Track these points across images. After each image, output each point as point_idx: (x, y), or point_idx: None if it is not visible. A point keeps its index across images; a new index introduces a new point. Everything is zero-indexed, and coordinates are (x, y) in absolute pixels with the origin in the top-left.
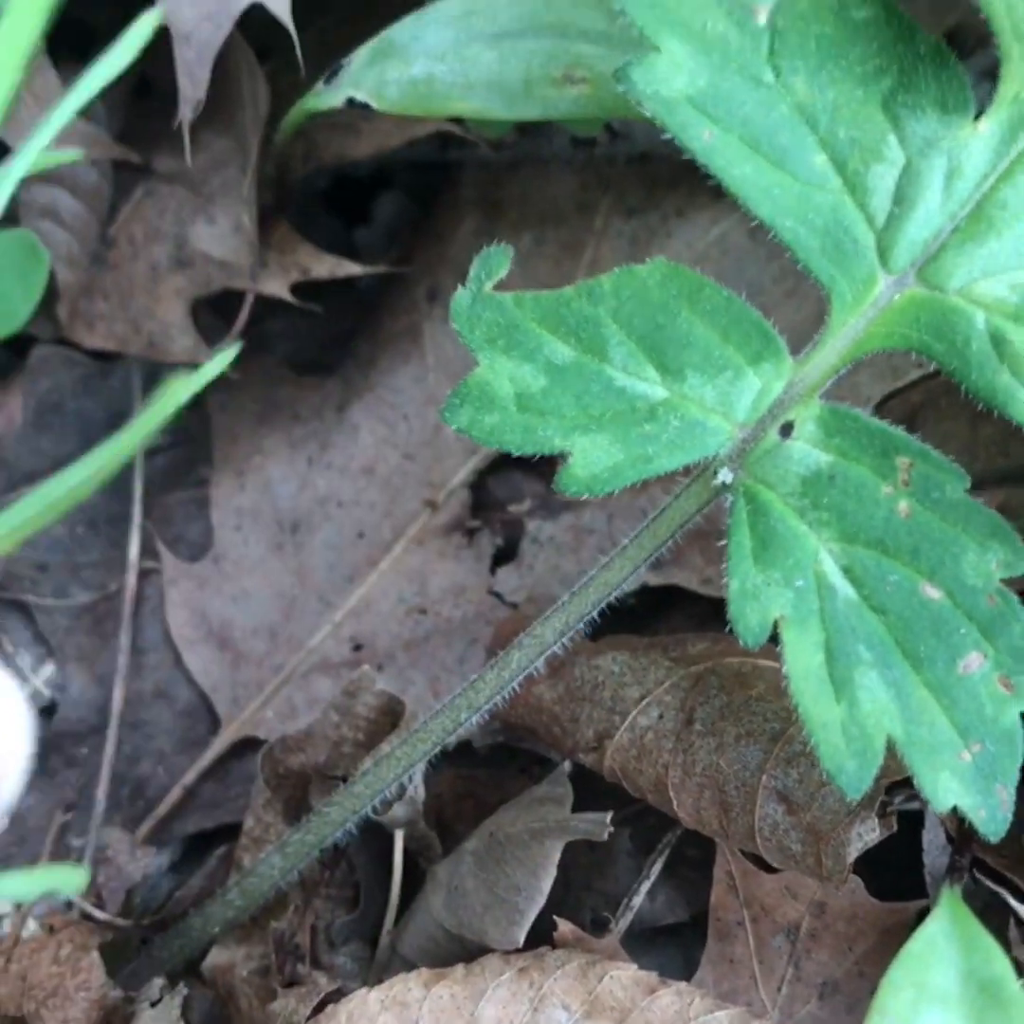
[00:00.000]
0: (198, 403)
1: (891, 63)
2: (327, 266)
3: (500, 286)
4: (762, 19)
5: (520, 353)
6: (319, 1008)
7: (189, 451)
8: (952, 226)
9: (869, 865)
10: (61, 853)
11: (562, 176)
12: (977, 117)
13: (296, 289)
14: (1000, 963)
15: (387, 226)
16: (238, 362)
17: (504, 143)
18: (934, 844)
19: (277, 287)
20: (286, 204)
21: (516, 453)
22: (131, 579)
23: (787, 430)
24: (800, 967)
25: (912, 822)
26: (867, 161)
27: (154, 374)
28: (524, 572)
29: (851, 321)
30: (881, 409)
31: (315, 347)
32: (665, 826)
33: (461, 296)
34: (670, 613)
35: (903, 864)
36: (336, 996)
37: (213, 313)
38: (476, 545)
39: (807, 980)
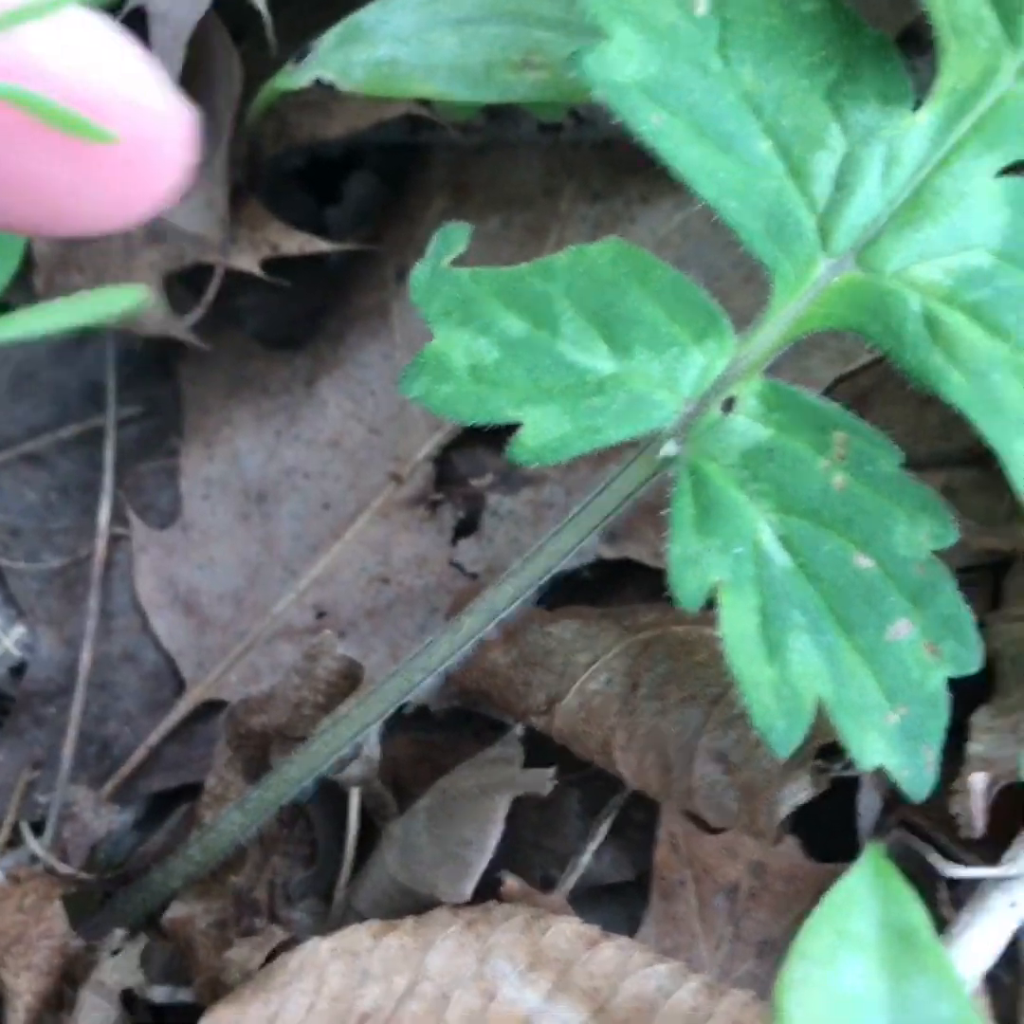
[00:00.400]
0: (170, 375)
1: (836, 55)
2: (296, 243)
3: (467, 263)
4: (701, 10)
5: (475, 326)
6: (272, 956)
7: (160, 422)
8: (890, 212)
9: (810, 827)
10: (28, 809)
11: (529, 160)
12: (916, 108)
13: (267, 265)
14: (916, 913)
15: (358, 205)
16: (210, 336)
17: (472, 127)
18: (869, 807)
19: (247, 262)
20: (258, 182)
21: (469, 422)
22: (101, 545)
23: (730, 405)
24: (740, 926)
25: (852, 787)
26: (810, 148)
27: (128, 346)
28: (484, 544)
29: (792, 302)
30: (831, 392)
31: (286, 322)
32: (613, 789)
33: (420, 270)
34: (624, 585)
35: (843, 827)
36: (289, 945)
37: (186, 287)
38: (438, 518)
39: (747, 938)
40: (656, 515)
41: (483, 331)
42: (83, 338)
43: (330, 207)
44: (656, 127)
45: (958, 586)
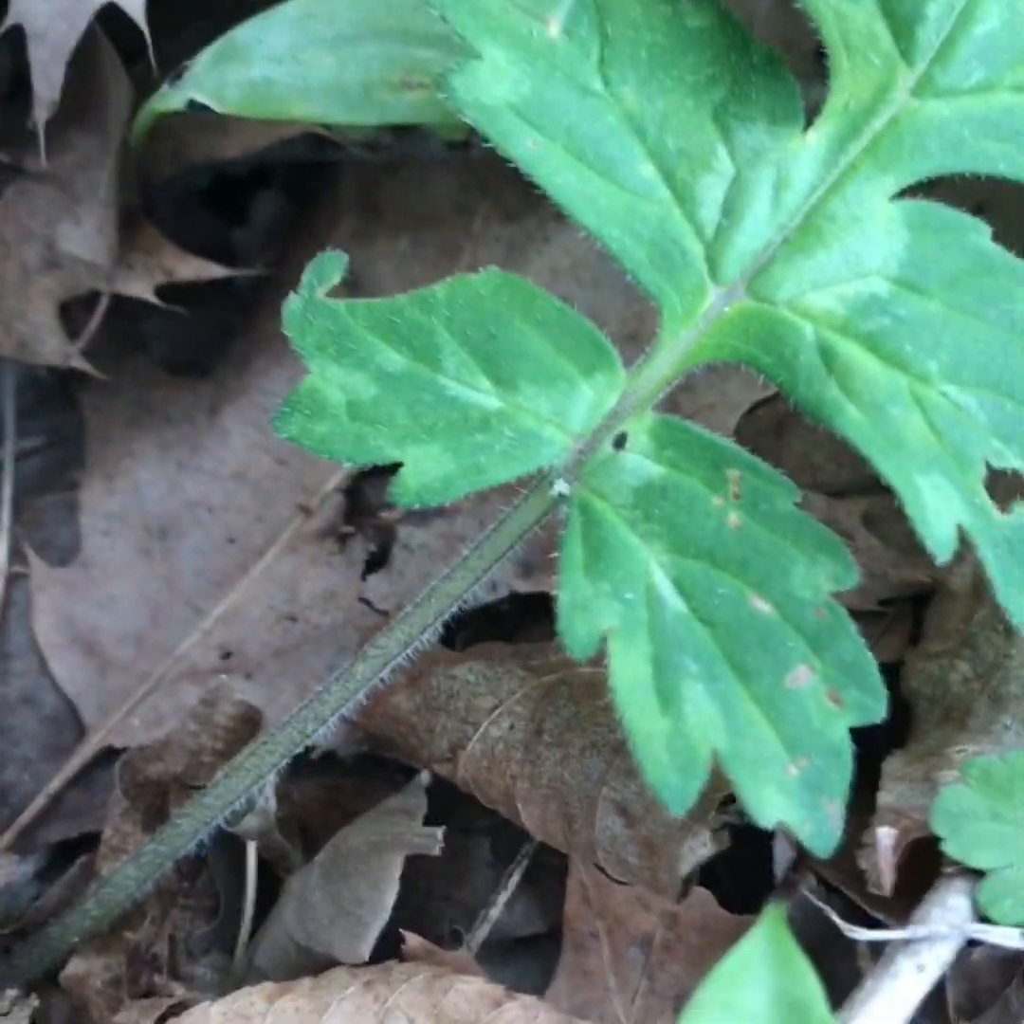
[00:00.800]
0: (72, 405)
1: (724, 73)
2: (192, 268)
3: (377, 287)
4: (554, 30)
5: (351, 361)
6: (162, 1020)
7: (62, 453)
8: (781, 238)
9: (731, 871)
10: None
11: (440, 178)
12: (807, 128)
13: (168, 290)
14: (810, 985)
15: (265, 226)
16: (113, 363)
17: (380, 144)
18: (783, 856)
19: (141, 288)
20: (156, 205)
21: (347, 463)
22: None
23: (621, 442)
24: (654, 978)
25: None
26: (696, 172)
27: (27, 375)
28: (395, 579)
29: (682, 333)
30: (749, 417)
31: (192, 348)
32: (526, 836)
33: (293, 302)
34: (542, 619)
35: (765, 872)
36: (178, 1009)
37: (87, 314)
38: (348, 551)
39: (661, 992)
40: None
41: (360, 366)
42: None
43: (237, 228)
44: (531, 151)
45: (877, 620)
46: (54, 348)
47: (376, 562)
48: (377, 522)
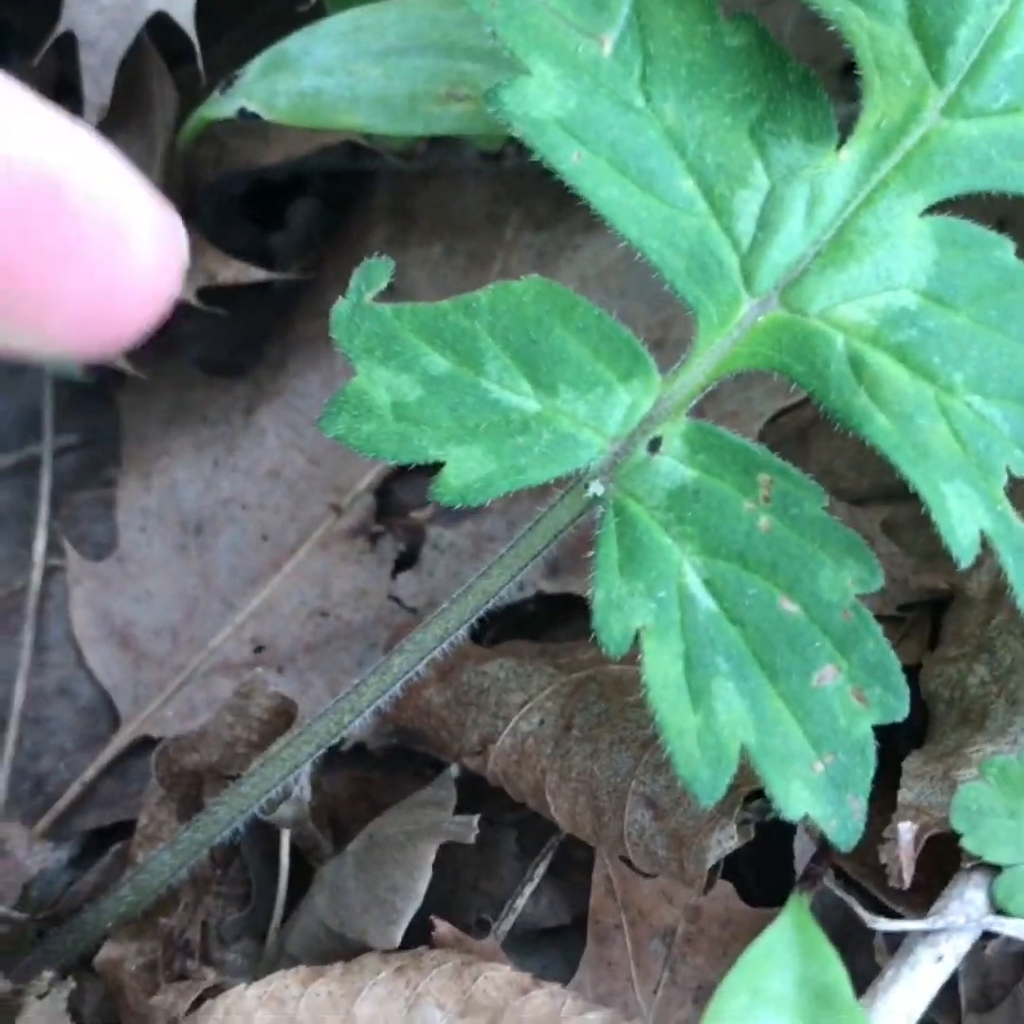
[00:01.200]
0: (109, 403)
1: (761, 91)
2: (233, 271)
3: (410, 293)
4: (607, 49)
5: (398, 364)
6: (198, 1002)
7: (98, 451)
8: (814, 251)
9: (753, 867)
10: None
11: (473, 188)
12: (841, 145)
13: (207, 292)
14: (836, 971)
15: (302, 231)
16: (150, 363)
17: (416, 153)
18: (804, 851)
19: (184, 290)
20: (198, 208)
21: (392, 461)
22: (36, 577)
23: (656, 445)
24: (676, 971)
25: (791, 826)
26: (733, 186)
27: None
28: (424, 578)
29: (717, 341)
30: (773, 425)
31: (228, 349)
32: (552, 829)
33: (341, 306)
34: (567, 619)
35: (785, 867)
36: (214, 991)
37: None
38: (379, 550)
39: (682, 984)
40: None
41: (406, 368)
42: (18, 366)
43: (274, 233)
44: (576, 164)
45: (896, 625)
46: None
47: (405, 561)
48: (407, 522)
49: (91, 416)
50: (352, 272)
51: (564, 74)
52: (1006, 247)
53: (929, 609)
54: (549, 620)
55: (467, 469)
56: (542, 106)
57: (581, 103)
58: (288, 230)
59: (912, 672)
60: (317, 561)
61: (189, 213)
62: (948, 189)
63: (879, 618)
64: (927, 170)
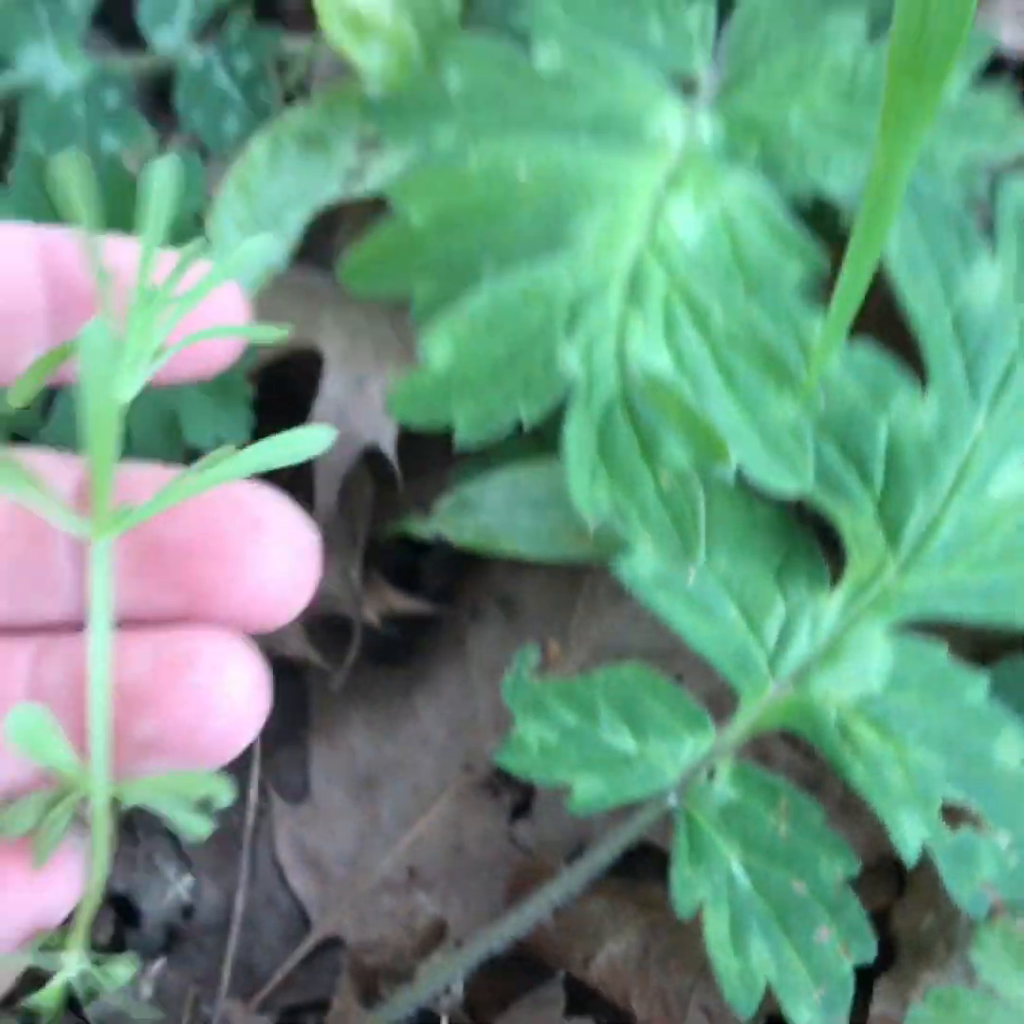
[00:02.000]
0: (297, 680)
1: (780, 547)
2: (405, 604)
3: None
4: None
5: (543, 719)
6: None
7: (291, 717)
8: (815, 656)
9: None
10: (195, 1018)
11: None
12: (833, 589)
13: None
14: None
15: (443, 558)
16: (331, 654)
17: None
18: None
19: (370, 617)
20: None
21: (539, 784)
22: (250, 815)
23: (711, 774)
24: None
25: None
26: (763, 614)
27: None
28: (535, 824)
29: (752, 709)
30: (790, 771)
31: (389, 646)
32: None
33: (509, 680)
34: (643, 858)
35: None
36: None
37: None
38: (500, 801)
39: None
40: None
41: (548, 722)
42: None
43: (421, 556)
44: (665, 606)
45: (866, 881)
46: (294, 648)
47: (519, 810)
48: (522, 781)
49: (284, 688)
50: (480, 593)
51: (657, 550)
52: (941, 653)
53: (896, 864)
54: (627, 864)
55: (588, 790)
56: (645, 569)
57: (665, 569)
58: (431, 556)
59: (885, 914)
60: (454, 808)
61: (371, 562)
62: (904, 618)
63: (867, 869)
64: (888, 607)
